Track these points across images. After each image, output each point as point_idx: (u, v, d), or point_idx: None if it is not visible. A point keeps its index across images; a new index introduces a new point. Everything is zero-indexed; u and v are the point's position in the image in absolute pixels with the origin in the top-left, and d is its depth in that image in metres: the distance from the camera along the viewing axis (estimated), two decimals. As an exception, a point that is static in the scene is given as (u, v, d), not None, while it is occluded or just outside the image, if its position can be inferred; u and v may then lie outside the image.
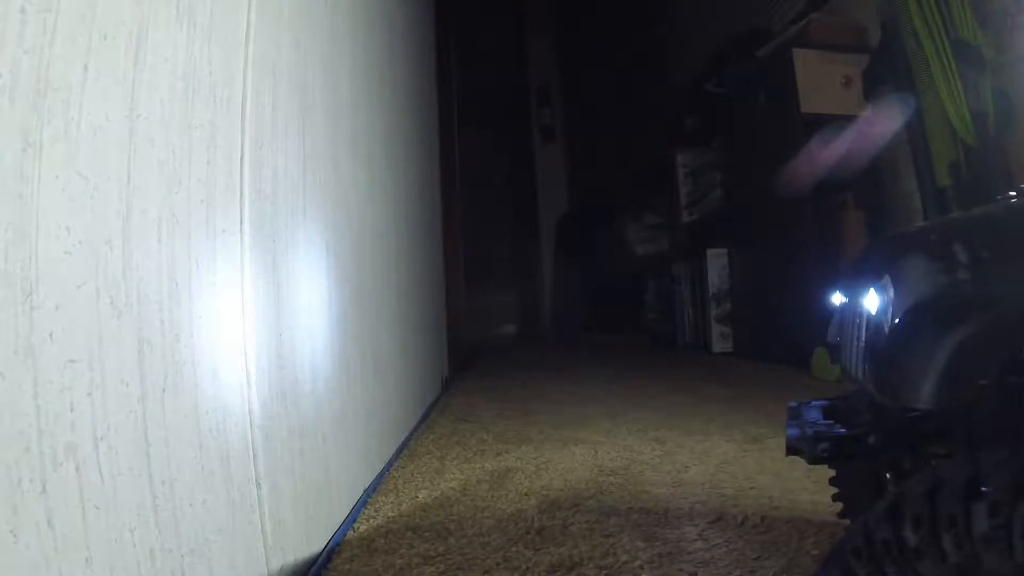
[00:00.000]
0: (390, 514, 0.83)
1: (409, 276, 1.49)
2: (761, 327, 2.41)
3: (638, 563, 0.66)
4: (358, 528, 0.78)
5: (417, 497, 0.91)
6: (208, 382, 0.46)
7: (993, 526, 0.29)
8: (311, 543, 0.64)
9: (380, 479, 0.98)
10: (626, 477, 0.96)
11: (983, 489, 0.30)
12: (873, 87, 1.80)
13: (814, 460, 0.50)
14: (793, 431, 0.54)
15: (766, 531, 0.72)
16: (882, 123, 1.50)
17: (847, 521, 0.61)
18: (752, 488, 0.87)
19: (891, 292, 0.43)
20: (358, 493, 0.86)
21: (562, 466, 1.04)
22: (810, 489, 0.82)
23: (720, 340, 2.78)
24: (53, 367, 0.30)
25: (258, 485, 0.51)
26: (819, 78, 2.06)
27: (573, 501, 0.86)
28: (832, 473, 0.63)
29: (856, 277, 0.51)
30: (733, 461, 1.01)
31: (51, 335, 0.30)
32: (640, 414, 1.44)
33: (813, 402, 0.60)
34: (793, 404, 0.60)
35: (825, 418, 0.56)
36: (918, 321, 0.41)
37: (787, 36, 2.21)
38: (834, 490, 0.64)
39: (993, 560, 0.29)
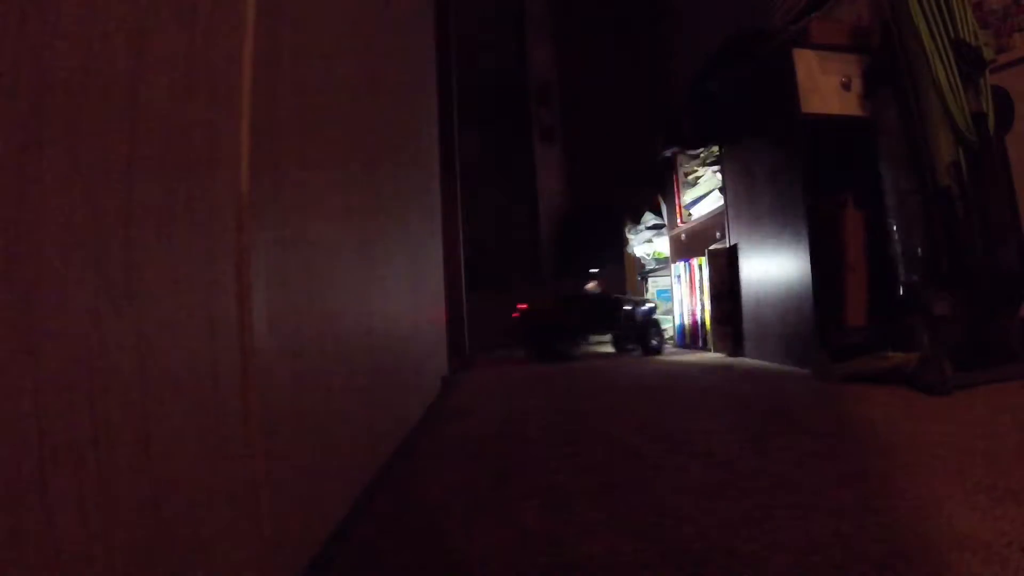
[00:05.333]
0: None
1: (411, 276, 1.49)
2: (761, 327, 2.41)
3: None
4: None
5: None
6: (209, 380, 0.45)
7: None
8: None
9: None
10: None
11: None
12: (873, 87, 1.80)
13: None
14: None
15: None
16: None
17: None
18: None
19: None
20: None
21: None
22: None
23: (720, 340, 2.78)
24: (54, 367, 0.30)
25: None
26: (819, 78, 2.06)
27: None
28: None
29: None
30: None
31: (51, 334, 0.30)
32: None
33: None
34: None
35: None
36: None
37: (787, 36, 2.21)
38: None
39: None
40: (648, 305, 3.31)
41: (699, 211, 3.17)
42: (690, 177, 3.29)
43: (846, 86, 2.06)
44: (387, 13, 1.34)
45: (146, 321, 0.38)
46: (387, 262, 1.21)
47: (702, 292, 3.02)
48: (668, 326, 3.63)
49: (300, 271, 0.67)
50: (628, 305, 3.25)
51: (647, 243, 3.96)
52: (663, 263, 3.78)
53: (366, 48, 1.09)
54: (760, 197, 2.34)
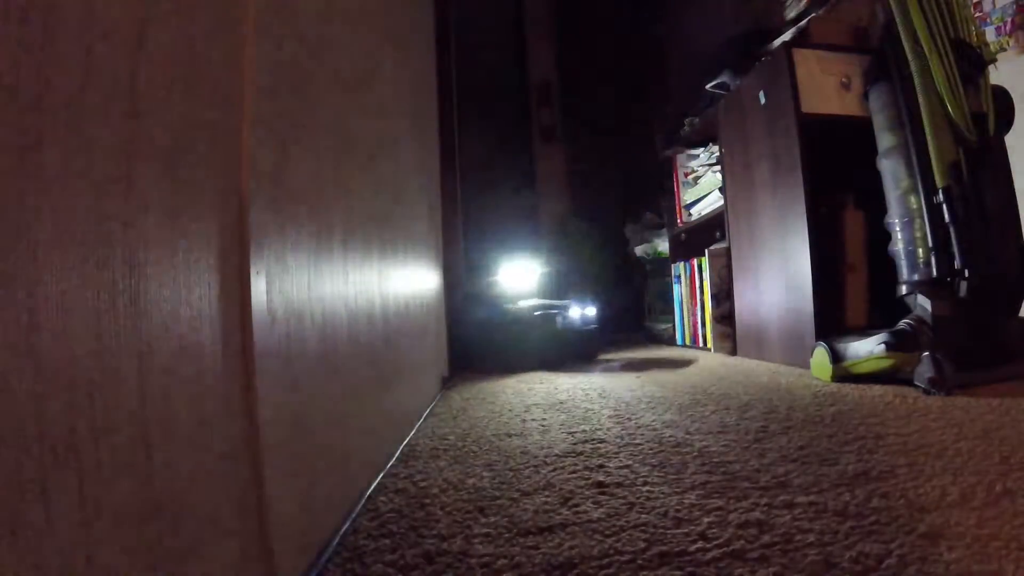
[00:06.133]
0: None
1: (413, 276, 1.49)
2: (761, 327, 2.41)
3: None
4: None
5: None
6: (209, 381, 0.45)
7: None
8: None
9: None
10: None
11: None
12: (872, 87, 1.79)
13: None
14: None
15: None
16: None
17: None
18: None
19: None
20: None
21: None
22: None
23: (720, 340, 2.78)
24: (54, 367, 0.30)
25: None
26: (819, 78, 2.06)
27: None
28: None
29: None
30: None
31: (51, 335, 0.30)
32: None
33: None
34: None
35: None
36: None
37: (787, 36, 2.21)
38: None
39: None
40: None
41: (699, 211, 3.17)
42: (690, 177, 3.29)
43: (846, 86, 2.06)
44: (387, 12, 1.35)
45: (147, 320, 0.38)
46: (389, 262, 1.21)
47: (702, 292, 3.02)
48: (668, 326, 3.63)
49: (302, 271, 0.67)
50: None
51: (647, 243, 3.96)
52: (663, 263, 3.78)
53: (367, 47, 1.09)
54: (760, 197, 2.35)
